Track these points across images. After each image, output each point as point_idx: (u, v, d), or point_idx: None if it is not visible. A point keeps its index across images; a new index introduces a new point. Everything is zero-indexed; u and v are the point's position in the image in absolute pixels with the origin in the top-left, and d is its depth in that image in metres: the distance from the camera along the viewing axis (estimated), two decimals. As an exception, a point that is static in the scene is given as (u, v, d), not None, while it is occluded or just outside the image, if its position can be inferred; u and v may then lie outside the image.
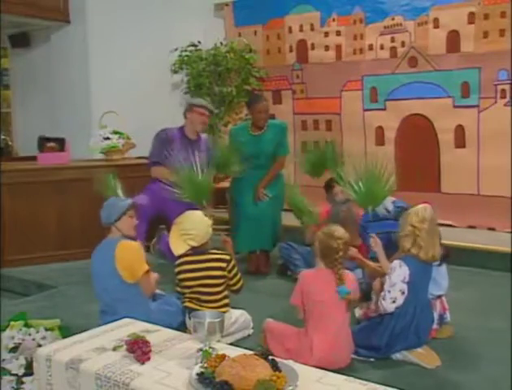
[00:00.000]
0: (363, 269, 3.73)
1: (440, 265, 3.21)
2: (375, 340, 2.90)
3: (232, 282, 3.18)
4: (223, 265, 3.13)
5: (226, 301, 3.17)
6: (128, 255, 3.11)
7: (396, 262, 2.89)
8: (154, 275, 3.28)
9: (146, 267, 3.16)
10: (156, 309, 3.19)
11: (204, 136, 4.83)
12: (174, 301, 3.28)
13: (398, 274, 2.84)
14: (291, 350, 2.73)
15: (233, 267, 3.17)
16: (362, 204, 3.39)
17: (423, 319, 2.93)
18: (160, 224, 4.67)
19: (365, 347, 2.92)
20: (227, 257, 3.16)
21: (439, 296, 3.23)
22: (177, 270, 3.18)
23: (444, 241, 3.15)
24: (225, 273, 3.13)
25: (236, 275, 3.19)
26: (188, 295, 3.17)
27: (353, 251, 3.29)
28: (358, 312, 3.37)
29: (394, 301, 2.84)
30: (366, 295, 3.36)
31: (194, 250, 3.17)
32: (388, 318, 2.89)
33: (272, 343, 2.83)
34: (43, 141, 5.23)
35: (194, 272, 3.13)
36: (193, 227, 3.15)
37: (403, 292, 2.84)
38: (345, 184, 3.49)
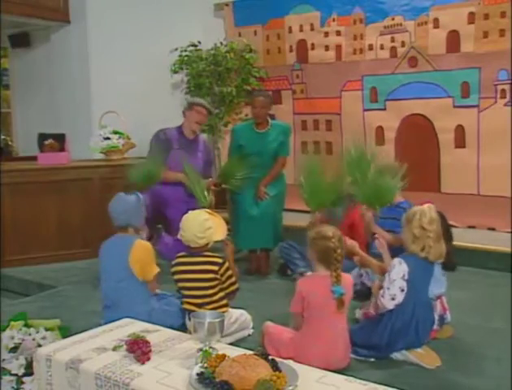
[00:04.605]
0: (360, 268, 3.74)
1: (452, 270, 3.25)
2: (375, 340, 2.90)
3: (224, 285, 3.10)
4: (215, 268, 3.05)
5: (223, 302, 3.12)
6: (145, 255, 3.23)
7: (396, 260, 2.89)
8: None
9: (157, 269, 3.28)
10: (158, 309, 3.22)
11: (202, 136, 4.84)
12: (175, 303, 3.29)
13: (397, 271, 2.85)
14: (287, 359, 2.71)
15: (226, 271, 3.08)
16: (368, 203, 3.36)
17: (423, 318, 2.93)
18: (158, 224, 4.66)
19: (365, 347, 2.92)
20: (220, 261, 3.07)
21: (439, 297, 3.22)
22: (172, 270, 3.17)
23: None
24: (217, 276, 3.05)
25: (229, 278, 3.10)
26: (185, 297, 3.15)
27: (353, 245, 3.26)
28: (359, 312, 3.37)
29: (393, 298, 2.84)
30: (363, 295, 3.37)
31: (189, 251, 3.14)
32: (387, 317, 2.89)
33: (269, 348, 2.81)
34: (43, 139, 5.22)
35: (187, 274, 3.11)
36: (182, 226, 3.11)
37: (402, 290, 2.84)
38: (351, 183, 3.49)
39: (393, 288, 2.84)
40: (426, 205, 2.97)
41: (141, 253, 3.21)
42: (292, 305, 2.84)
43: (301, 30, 6.37)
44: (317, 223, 3.97)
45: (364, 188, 3.38)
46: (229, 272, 3.10)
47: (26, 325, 2.84)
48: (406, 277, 2.84)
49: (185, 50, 6.45)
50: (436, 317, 3.16)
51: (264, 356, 2.01)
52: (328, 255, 2.76)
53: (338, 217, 4.02)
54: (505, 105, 5.16)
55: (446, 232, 3.21)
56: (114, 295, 3.19)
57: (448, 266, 3.22)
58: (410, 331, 2.89)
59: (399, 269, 2.85)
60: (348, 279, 2.85)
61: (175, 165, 4.52)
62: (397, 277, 2.84)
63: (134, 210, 3.33)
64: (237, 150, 4.66)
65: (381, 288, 2.93)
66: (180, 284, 3.16)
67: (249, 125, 4.78)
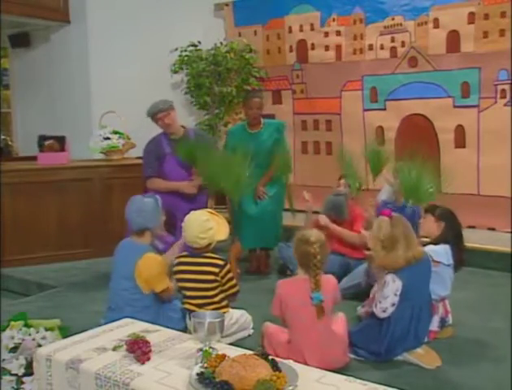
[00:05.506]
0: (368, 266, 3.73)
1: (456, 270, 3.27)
2: (375, 346, 2.89)
3: (224, 287, 3.09)
4: (216, 270, 3.04)
5: (224, 302, 3.12)
6: (151, 270, 3.14)
7: (389, 277, 2.86)
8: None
9: (165, 285, 3.17)
10: (162, 315, 3.19)
11: (189, 129, 4.74)
12: (179, 308, 3.25)
13: (391, 288, 2.83)
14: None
15: (226, 273, 3.06)
16: (406, 195, 3.40)
17: (422, 318, 2.93)
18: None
19: (364, 350, 2.91)
20: (221, 263, 3.06)
21: (442, 299, 3.22)
22: (173, 269, 3.18)
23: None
24: (218, 278, 3.04)
25: (229, 280, 3.09)
26: (185, 297, 3.15)
27: (322, 219, 3.30)
28: (360, 310, 3.37)
29: (384, 311, 2.85)
30: (368, 294, 3.37)
31: (190, 252, 3.14)
32: (386, 324, 2.88)
33: (269, 349, 2.81)
34: (43, 140, 5.22)
35: (188, 274, 3.11)
36: (184, 227, 3.11)
37: (393, 304, 2.84)
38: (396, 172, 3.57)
39: (385, 303, 2.84)
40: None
41: (146, 268, 3.13)
42: (272, 307, 2.85)
43: (301, 30, 6.37)
44: (310, 225, 4.01)
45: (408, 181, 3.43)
46: (230, 275, 3.09)
47: (26, 325, 2.83)
48: (400, 291, 2.82)
49: (185, 50, 6.46)
50: (438, 319, 3.17)
51: (264, 356, 2.00)
52: (307, 260, 2.75)
53: (343, 217, 4.04)
54: (505, 105, 5.16)
55: (458, 232, 3.34)
56: (119, 300, 3.17)
57: (459, 266, 3.25)
58: (410, 335, 2.89)
59: (392, 286, 2.83)
60: (330, 281, 2.83)
61: (171, 171, 4.47)
62: (390, 294, 2.83)
63: (151, 212, 3.23)
64: (231, 152, 4.63)
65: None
66: (181, 284, 3.16)
67: (242, 126, 4.78)
